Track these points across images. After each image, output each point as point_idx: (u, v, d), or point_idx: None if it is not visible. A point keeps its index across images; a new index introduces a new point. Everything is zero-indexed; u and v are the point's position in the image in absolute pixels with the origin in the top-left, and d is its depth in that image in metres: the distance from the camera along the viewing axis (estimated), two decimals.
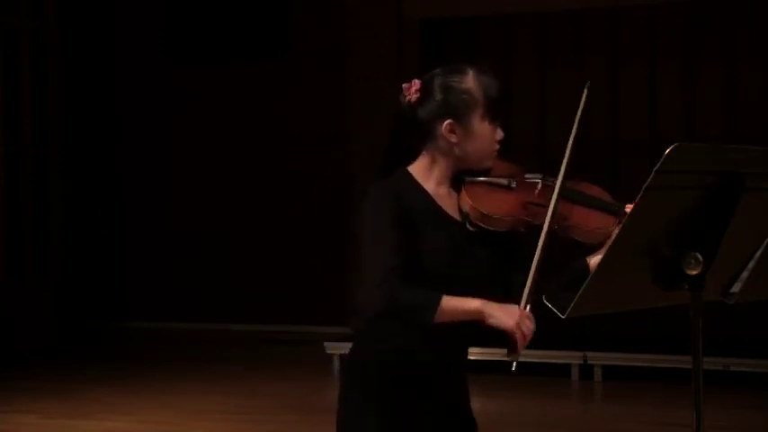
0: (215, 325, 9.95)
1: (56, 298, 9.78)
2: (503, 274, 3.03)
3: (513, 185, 3.08)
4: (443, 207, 3.08)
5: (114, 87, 10.35)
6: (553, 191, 2.99)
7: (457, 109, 3.03)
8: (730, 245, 2.80)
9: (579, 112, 3.09)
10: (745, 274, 2.90)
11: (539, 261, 2.95)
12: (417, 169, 3.09)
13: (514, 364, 2.94)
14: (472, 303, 2.91)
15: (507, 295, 3.04)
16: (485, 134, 3.05)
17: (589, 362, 8.10)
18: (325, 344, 8.25)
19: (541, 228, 2.98)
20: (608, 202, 3.14)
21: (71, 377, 8.46)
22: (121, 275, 10.32)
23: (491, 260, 3.07)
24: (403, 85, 3.12)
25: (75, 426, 7.04)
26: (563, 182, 3.01)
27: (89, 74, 10.41)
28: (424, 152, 3.09)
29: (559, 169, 3.02)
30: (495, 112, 3.05)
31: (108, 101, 10.39)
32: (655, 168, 2.67)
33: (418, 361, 3.08)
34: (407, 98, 3.09)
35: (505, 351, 2.94)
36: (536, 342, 9.21)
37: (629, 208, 3.09)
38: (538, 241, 2.96)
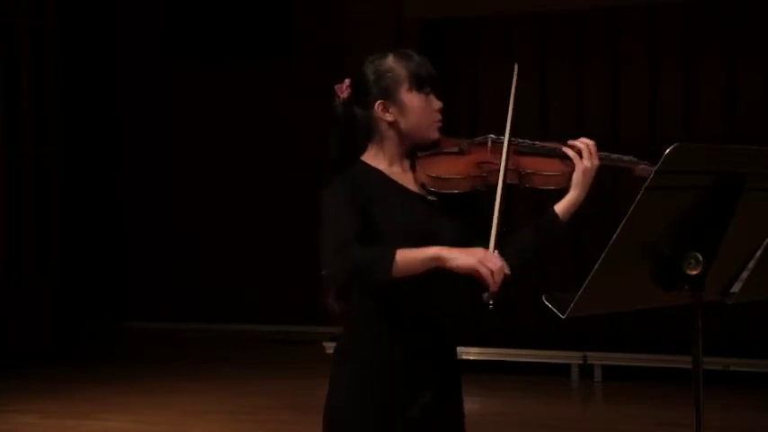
0: (215, 325, 9.95)
1: (56, 298, 9.77)
2: (469, 241, 3.03)
3: (464, 149, 3.16)
4: (401, 182, 3.13)
5: (114, 87, 10.35)
6: (502, 147, 3.08)
7: (385, 89, 3.13)
8: (730, 245, 2.80)
9: (514, 83, 3.23)
10: (745, 274, 2.90)
11: (501, 199, 2.99)
12: (367, 157, 3.17)
13: (491, 303, 2.89)
14: (429, 250, 2.92)
15: None
16: (417, 104, 3.13)
17: (589, 362, 8.10)
18: (325, 344, 8.25)
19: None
20: (557, 148, 3.21)
21: (71, 377, 8.45)
22: (121, 275, 10.31)
23: (456, 228, 3.09)
24: (335, 87, 3.24)
25: (75, 426, 7.04)
26: (512, 136, 3.11)
27: (89, 74, 10.41)
28: (370, 144, 3.17)
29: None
30: (420, 81, 3.12)
31: (108, 101, 10.39)
32: (655, 168, 2.67)
33: (405, 360, 3.09)
34: (341, 97, 3.22)
35: (485, 296, 2.90)
36: (536, 342, 9.21)
37: (565, 149, 3.17)
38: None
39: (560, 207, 3.15)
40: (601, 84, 8.76)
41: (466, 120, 8.45)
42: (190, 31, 9.99)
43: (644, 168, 3.23)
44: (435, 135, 3.15)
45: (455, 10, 8.90)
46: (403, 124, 3.13)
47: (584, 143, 3.18)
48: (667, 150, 2.62)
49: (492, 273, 2.87)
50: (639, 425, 7.00)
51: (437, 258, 2.90)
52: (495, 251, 2.93)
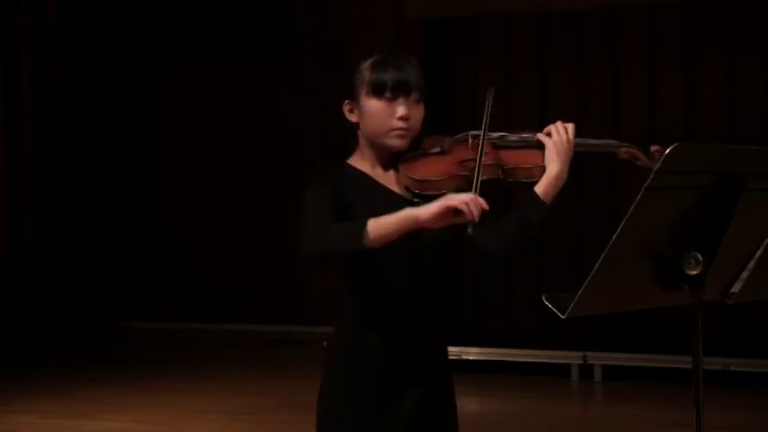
0: (215, 325, 9.94)
1: (56, 298, 9.77)
2: (456, 240, 3.05)
3: (446, 149, 3.15)
4: (386, 184, 3.14)
5: (114, 87, 10.35)
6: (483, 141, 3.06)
7: (351, 90, 3.15)
8: (730, 245, 2.80)
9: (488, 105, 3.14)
10: (745, 274, 2.90)
11: (481, 154, 2.98)
12: (353, 159, 3.19)
13: (470, 228, 2.85)
14: (399, 213, 2.89)
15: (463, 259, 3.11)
16: (373, 110, 3.11)
17: (589, 362, 8.10)
18: (325, 344, 8.25)
19: (486, 185, 3.02)
20: (533, 137, 3.20)
21: (71, 377, 8.46)
22: (121, 275, 10.31)
23: (442, 229, 3.05)
24: None
25: (75, 426, 7.04)
26: (489, 129, 3.09)
27: (89, 74, 10.41)
28: (357, 146, 3.20)
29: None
30: (378, 88, 3.09)
31: (108, 100, 10.39)
32: (655, 168, 2.67)
33: (393, 355, 3.11)
34: None
35: (468, 228, 2.86)
36: (536, 342, 9.22)
37: (540, 135, 3.18)
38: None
39: (540, 186, 3.13)
40: (601, 84, 8.76)
41: (466, 120, 8.44)
42: (190, 31, 9.99)
43: (627, 151, 3.24)
44: (395, 143, 3.11)
45: (455, 10, 8.89)
46: (363, 127, 3.14)
47: (555, 126, 3.18)
48: (667, 150, 2.62)
49: (466, 203, 2.82)
50: (639, 425, 7.00)
51: (410, 217, 2.88)
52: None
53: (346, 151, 3.24)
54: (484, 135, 3.06)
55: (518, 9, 8.76)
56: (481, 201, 2.85)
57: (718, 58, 8.47)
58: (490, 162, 3.08)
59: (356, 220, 2.93)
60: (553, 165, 3.13)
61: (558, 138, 3.15)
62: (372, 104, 3.10)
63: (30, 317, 9.45)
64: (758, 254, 2.87)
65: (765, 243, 2.87)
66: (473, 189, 2.92)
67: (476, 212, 2.82)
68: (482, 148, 3.04)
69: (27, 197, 9.64)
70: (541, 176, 3.13)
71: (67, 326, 9.84)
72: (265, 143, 9.83)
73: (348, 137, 3.22)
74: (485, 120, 3.08)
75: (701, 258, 2.76)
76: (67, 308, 9.95)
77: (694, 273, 2.77)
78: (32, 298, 9.56)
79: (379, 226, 2.88)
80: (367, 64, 3.14)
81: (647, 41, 8.63)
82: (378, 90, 3.10)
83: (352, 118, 3.15)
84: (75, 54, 10.30)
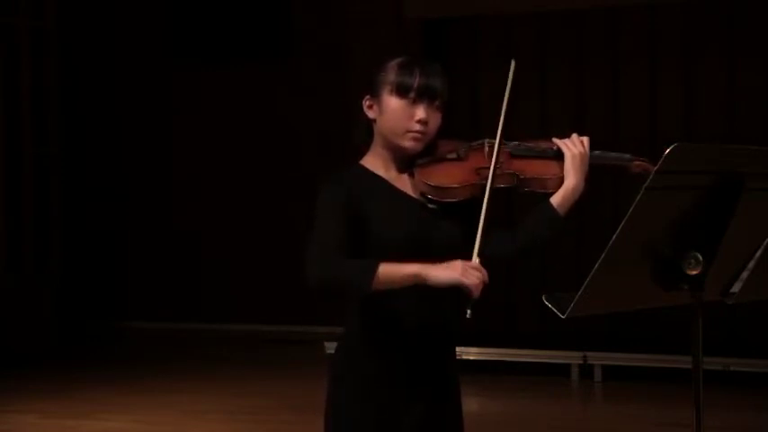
0: (215, 325, 9.95)
1: (56, 298, 9.77)
2: (466, 245, 3.03)
3: (462, 155, 3.14)
4: (400, 187, 3.13)
5: (114, 87, 10.36)
6: (499, 149, 3.07)
7: (374, 86, 3.14)
8: (730, 245, 2.80)
9: (510, 81, 3.22)
10: (745, 274, 2.90)
11: (486, 212, 2.98)
12: (366, 160, 3.18)
13: (469, 311, 2.90)
14: (409, 268, 2.92)
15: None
16: (394, 108, 3.10)
17: (589, 362, 8.10)
18: (326, 344, 8.25)
19: (499, 190, 3.03)
20: (549, 147, 3.20)
21: (71, 377, 8.46)
22: (121, 275, 10.31)
23: (456, 234, 3.08)
24: None
25: (75, 426, 7.04)
26: (505, 140, 3.11)
27: (89, 74, 10.41)
28: (371, 146, 3.19)
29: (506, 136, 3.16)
30: (402, 88, 3.09)
31: (108, 101, 10.39)
32: (655, 168, 2.67)
33: (401, 361, 3.10)
34: None
35: (468, 311, 2.91)
36: (536, 342, 9.22)
37: (555, 140, 3.19)
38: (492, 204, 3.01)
39: (556, 198, 3.13)
40: (601, 84, 8.76)
41: (466, 120, 8.45)
42: (190, 31, 9.99)
43: (640, 165, 3.23)
44: (409, 144, 3.10)
45: (455, 10, 8.90)
46: (380, 124, 3.13)
47: (572, 139, 3.19)
48: (667, 150, 2.62)
49: (474, 284, 2.88)
50: (639, 425, 7.00)
51: (417, 276, 2.91)
52: (477, 259, 2.93)
53: (346, 151, 3.24)
54: (499, 143, 3.07)
55: (518, 9, 8.76)
56: (485, 275, 2.89)
57: (718, 58, 8.47)
58: (506, 171, 3.09)
59: (367, 261, 2.93)
60: (570, 177, 3.13)
61: (575, 150, 3.15)
62: (394, 103, 3.10)
63: (30, 317, 9.45)
64: (758, 254, 2.87)
65: (765, 243, 2.87)
66: (474, 255, 2.94)
67: (479, 292, 2.89)
68: (497, 153, 3.05)
69: (27, 197, 9.64)
70: (556, 188, 3.13)
71: (67, 326, 9.84)
72: (265, 143, 9.83)
73: (348, 137, 3.21)
74: (502, 117, 3.09)
75: (700, 258, 2.76)
76: (67, 308, 9.95)
77: (694, 273, 2.77)
78: (32, 298, 9.56)
79: (387, 274, 2.90)
80: (394, 63, 3.13)
81: (647, 41, 8.63)
82: (402, 90, 3.09)
83: (370, 114, 3.15)
84: (75, 54, 10.30)
